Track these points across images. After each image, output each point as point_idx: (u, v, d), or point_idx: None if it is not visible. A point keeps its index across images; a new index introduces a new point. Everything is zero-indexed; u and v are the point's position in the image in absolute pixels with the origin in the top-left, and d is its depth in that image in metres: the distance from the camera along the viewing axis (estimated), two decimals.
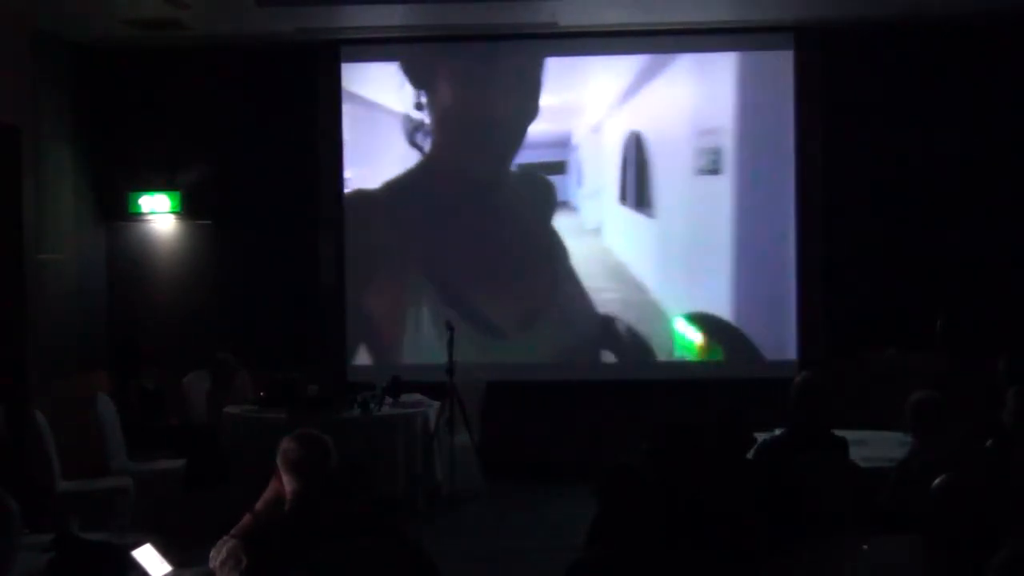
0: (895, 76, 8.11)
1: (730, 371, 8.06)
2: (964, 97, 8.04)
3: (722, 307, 8.18)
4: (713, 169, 8.19)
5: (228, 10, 7.46)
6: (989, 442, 4.67)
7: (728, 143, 8.18)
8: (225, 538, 3.30)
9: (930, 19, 7.81)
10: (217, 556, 3.27)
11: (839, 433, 4.88)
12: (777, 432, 5.09)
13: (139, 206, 8.36)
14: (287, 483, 3.38)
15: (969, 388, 5.70)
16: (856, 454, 4.98)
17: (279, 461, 3.42)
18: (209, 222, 8.43)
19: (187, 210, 8.39)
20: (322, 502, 3.34)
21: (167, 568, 3.63)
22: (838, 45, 8.10)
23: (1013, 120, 7.99)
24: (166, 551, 3.67)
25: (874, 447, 5.42)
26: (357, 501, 3.40)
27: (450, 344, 6.96)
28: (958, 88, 8.05)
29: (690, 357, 8.21)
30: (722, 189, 8.18)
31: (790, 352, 8.15)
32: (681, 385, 7.88)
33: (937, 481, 2.89)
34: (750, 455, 4.51)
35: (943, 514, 2.77)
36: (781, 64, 8.17)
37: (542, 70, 8.28)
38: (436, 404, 7.07)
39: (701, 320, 8.21)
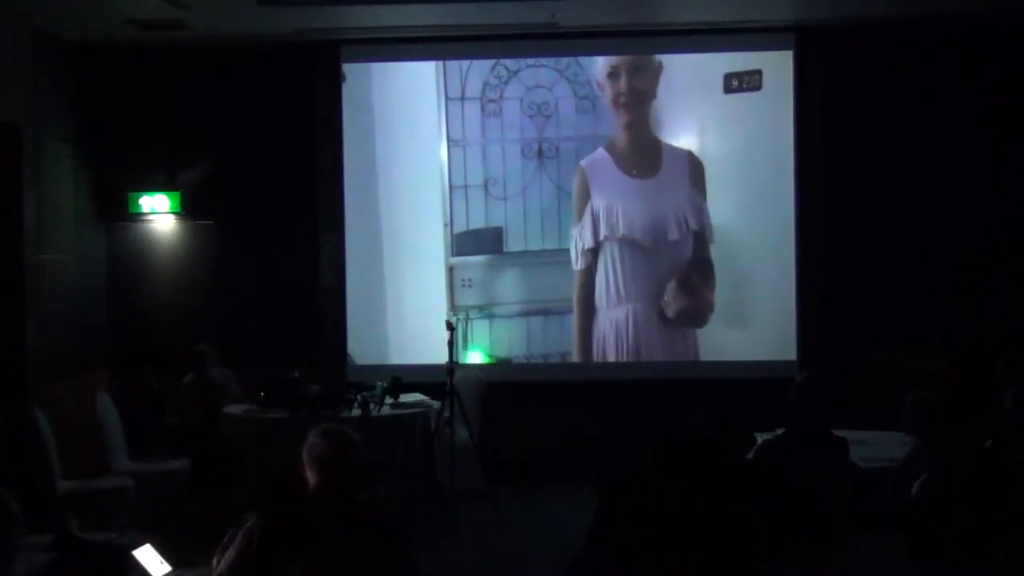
0: (895, 76, 8.10)
1: (730, 371, 8.06)
2: (964, 97, 8.03)
3: (722, 307, 8.18)
4: (714, 169, 8.20)
5: (228, 10, 7.46)
6: (989, 442, 4.67)
7: (728, 143, 8.18)
8: (233, 530, 3.31)
9: (930, 19, 7.81)
10: (221, 554, 3.28)
11: (839, 433, 4.88)
12: (777, 432, 5.09)
13: (139, 206, 8.36)
14: (310, 477, 3.40)
15: (969, 388, 5.70)
16: (856, 454, 4.98)
17: (304, 455, 3.43)
18: (209, 222, 8.43)
19: (187, 210, 8.39)
20: (342, 499, 3.35)
21: (167, 568, 3.63)
22: (838, 45, 8.10)
23: (1013, 120, 7.98)
24: (166, 551, 3.67)
25: (874, 447, 5.43)
26: (356, 501, 3.40)
27: (450, 344, 6.95)
28: (958, 88, 8.04)
29: None
30: (722, 189, 8.19)
31: (790, 352, 8.15)
32: (681, 385, 7.88)
33: (916, 485, 2.89)
34: (750, 455, 4.51)
35: (922, 516, 2.78)
36: (781, 64, 8.17)
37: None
38: (436, 404, 7.07)
39: None
